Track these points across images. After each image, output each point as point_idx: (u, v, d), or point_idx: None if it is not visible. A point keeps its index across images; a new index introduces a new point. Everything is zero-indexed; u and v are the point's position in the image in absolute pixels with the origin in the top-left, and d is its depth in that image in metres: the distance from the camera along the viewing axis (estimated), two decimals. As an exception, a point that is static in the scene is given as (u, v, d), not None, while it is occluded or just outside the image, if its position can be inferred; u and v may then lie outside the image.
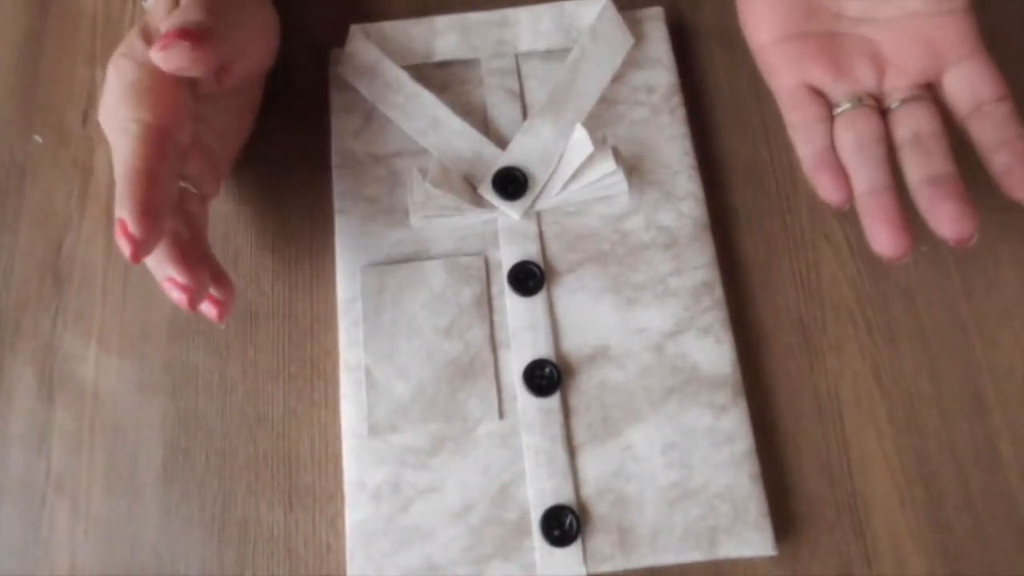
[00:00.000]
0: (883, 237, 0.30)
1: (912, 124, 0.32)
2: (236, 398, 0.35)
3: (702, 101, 0.39)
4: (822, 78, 0.33)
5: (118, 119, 0.30)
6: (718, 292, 0.35)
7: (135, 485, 0.34)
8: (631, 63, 0.38)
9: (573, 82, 0.37)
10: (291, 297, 0.37)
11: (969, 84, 0.31)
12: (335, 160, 0.37)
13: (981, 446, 0.33)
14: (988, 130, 0.30)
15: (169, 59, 0.30)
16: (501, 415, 0.33)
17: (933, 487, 0.33)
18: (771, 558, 0.32)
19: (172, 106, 0.31)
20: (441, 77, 0.38)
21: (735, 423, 0.33)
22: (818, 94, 0.33)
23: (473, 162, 0.36)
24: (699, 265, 0.35)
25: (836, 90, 0.33)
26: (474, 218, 0.36)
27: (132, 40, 0.32)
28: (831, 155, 0.32)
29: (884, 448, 0.34)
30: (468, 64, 0.39)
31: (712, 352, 0.34)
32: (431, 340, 0.34)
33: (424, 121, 0.36)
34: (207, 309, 0.32)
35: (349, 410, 0.33)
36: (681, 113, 0.38)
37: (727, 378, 0.33)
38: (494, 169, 0.35)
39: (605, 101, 0.38)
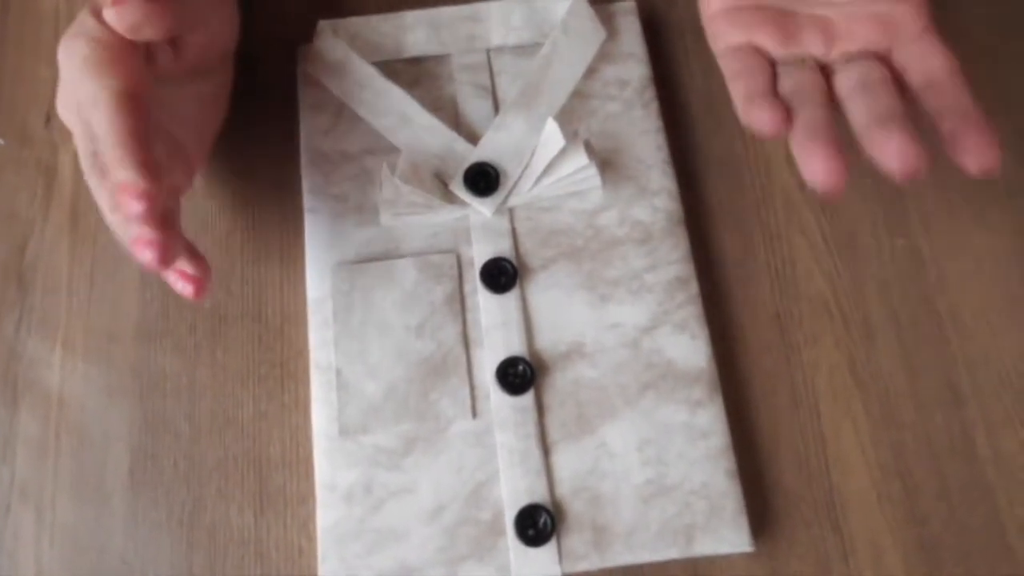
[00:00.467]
0: (816, 161, 0.27)
1: (858, 75, 0.30)
2: (205, 401, 0.35)
3: (676, 95, 0.39)
4: (768, 42, 0.31)
5: (82, 94, 0.29)
6: (693, 287, 0.34)
7: (102, 492, 0.33)
8: (604, 57, 0.38)
9: (545, 76, 0.37)
10: (260, 298, 0.36)
11: (921, 59, 0.30)
12: (304, 158, 0.37)
13: (957, 438, 0.33)
14: (938, 100, 0.28)
15: (123, 15, 0.29)
16: (474, 414, 0.32)
17: (910, 481, 0.33)
18: (748, 555, 0.31)
19: (135, 72, 0.30)
20: (411, 73, 0.38)
21: (711, 419, 0.32)
22: (762, 53, 0.31)
23: (444, 158, 0.35)
24: (674, 260, 0.35)
25: (781, 53, 0.31)
26: (446, 215, 0.35)
27: (83, 18, 0.31)
28: (768, 91, 0.30)
29: (861, 442, 0.34)
30: (439, 60, 0.38)
31: (687, 347, 0.33)
32: (402, 339, 0.33)
33: (393, 117, 0.36)
34: (183, 288, 0.31)
35: (320, 411, 0.33)
36: (655, 107, 0.37)
37: (703, 373, 0.33)
38: (465, 165, 0.35)
39: (578, 95, 0.37)
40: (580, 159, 0.34)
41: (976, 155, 0.27)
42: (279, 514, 0.33)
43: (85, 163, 0.30)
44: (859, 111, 0.29)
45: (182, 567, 0.32)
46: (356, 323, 0.34)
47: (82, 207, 0.38)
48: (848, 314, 0.36)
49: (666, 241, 0.35)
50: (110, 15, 0.29)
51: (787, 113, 0.29)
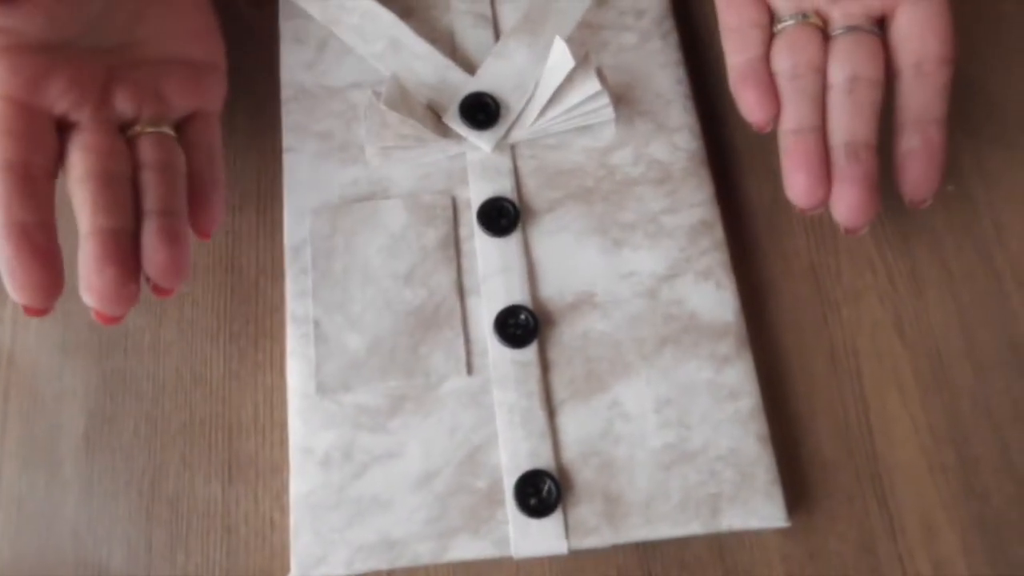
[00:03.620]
0: (799, 185, 0.29)
1: (852, 63, 0.30)
2: (170, 359, 0.32)
3: (698, 27, 0.36)
4: None
5: None
6: (718, 233, 0.31)
7: (53, 457, 0.30)
8: (617, -16, 0.35)
9: (552, 1, 0.34)
10: (234, 248, 0.33)
11: (919, 38, 0.29)
12: (285, 94, 0.34)
13: (1021, 403, 0.30)
14: (916, 96, 0.29)
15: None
16: (470, 370, 0.29)
17: (966, 451, 0.30)
18: (782, 531, 0.28)
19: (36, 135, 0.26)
20: (404, 2, 0.35)
21: (739, 377, 0.29)
22: (762, 1, 0.31)
23: (438, 88, 0.33)
24: (696, 203, 0.32)
25: (783, 2, 0.31)
26: (439, 152, 0.32)
27: None
28: (762, 68, 0.30)
29: (909, 408, 0.30)
30: (434, -13, 0.35)
31: (712, 298, 0.30)
32: (389, 288, 0.30)
33: (383, 43, 0.33)
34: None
35: (296, 367, 0.30)
36: (674, 39, 0.35)
37: (729, 327, 0.30)
38: (462, 95, 0.32)
39: (588, 26, 0.34)
40: (592, 86, 0.31)
41: (913, 188, 0.29)
42: (250, 484, 0.30)
43: None
44: (838, 126, 0.29)
45: (140, 542, 0.29)
46: (337, 270, 0.31)
47: (41, 149, 0.35)
48: (893, 267, 0.32)
49: (688, 182, 0.32)
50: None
51: (777, 104, 0.30)
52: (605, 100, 0.32)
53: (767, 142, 0.34)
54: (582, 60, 0.31)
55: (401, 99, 0.31)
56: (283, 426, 0.30)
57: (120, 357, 0.32)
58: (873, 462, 0.30)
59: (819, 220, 0.33)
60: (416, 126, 0.31)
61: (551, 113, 0.32)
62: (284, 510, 0.29)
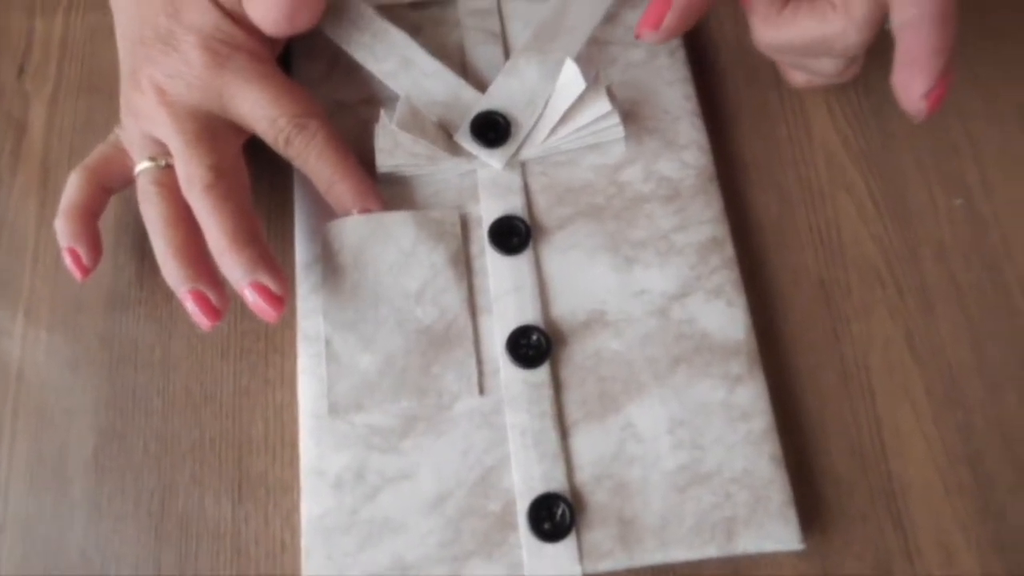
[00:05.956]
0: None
1: None
2: (180, 376, 0.29)
3: (705, 43, 0.34)
4: None
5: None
6: (728, 250, 0.29)
7: (61, 477, 0.28)
8: (625, 2, 0.33)
9: (561, 18, 0.31)
10: (246, 263, 0.31)
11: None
12: (296, 110, 0.31)
13: (1034, 421, 0.28)
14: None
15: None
16: (482, 390, 0.27)
17: (981, 469, 0.27)
18: (797, 553, 0.26)
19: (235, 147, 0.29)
20: (414, 19, 0.33)
21: (752, 397, 0.27)
22: None
23: (449, 106, 0.30)
24: (706, 219, 0.29)
25: None
26: (450, 169, 0.30)
27: (221, 23, 0.28)
28: None
29: (922, 425, 0.28)
30: (443, 5, 0.33)
31: (724, 316, 0.28)
32: (400, 306, 0.28)
33: (394, 62, 0.31)
34: (263, 310, 0.27)
35: (307, 387, 0.28)
36: (682, 55, 0.32)
37: (741, 345, 0.28)
38: (472, 113, 0.30)
39: (597, 42, 0.32)
40: (602, 105, 0.29)
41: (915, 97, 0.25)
42: (260, 504, 0.28)
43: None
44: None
45: (148, 563, 0.27)
46: (348, 288, 0.28)
47: (52, 164, 0.33)
48: (902, 282, 0.30)
49: (697, 199, 0.30)
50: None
51: None
52: (615, 120, 0.29)
53: (775, 156, 0.32)
54: (593, 80, 0.29)
55: (413, 120, 0.29)
56: (294, 444, 0.28)
57: (130, 373, 0.30)
58: (887, 481, 0.27)
59: (828, 234, 0.31)
60: (428, 145, 0.29)
61: (562, 132, 0.30)
62: (295, 531, 0.27)
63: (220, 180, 0.27)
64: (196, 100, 0.28)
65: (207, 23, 0.28)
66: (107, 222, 0.30)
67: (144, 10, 0.28)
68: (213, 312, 0.27)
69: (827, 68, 0.29)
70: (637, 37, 0.28)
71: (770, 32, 0.28)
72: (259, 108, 0.28)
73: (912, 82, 0.24)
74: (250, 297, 0.26)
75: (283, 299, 0.27)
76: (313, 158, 0.28)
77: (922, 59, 0.24)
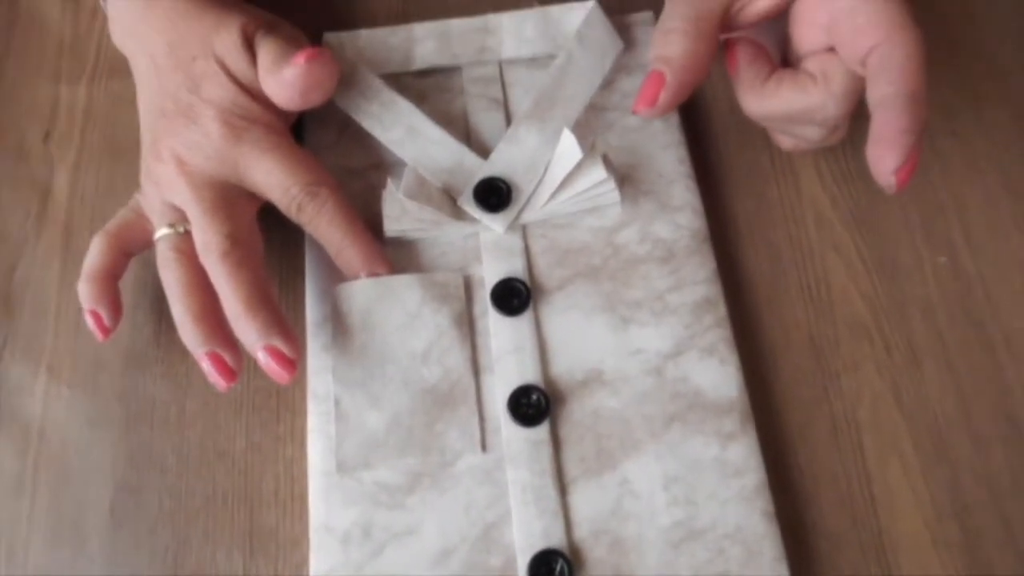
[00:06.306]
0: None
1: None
2: (194, 433, 0.30)
3: (697, 107, 0.35)
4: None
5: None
6: (721, 309, 0.30)
7: (80, 532, 0.29)
8: (621, 69, 0.34)
9: (560, 87, 0.33)
10: (258, 321, 0.32)
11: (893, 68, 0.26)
12: (307, 175, 0.33)
13: (1020, 476, 0.29)
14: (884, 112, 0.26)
15: (311, 72, 0.29)
16: (484, 448, 0.28)
17: (969, 523, 0.28)
18: (790, 607, 0.27)
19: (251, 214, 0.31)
20: (420, 87, 0.34)
21: (744, 453, 0.28)
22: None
23: (453, 172, 0.32)
24: (699, 280, 0.31)
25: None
26: (454, 233, 0.31)
27: (239, 100, 0.30)
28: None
29: (911, 480, 0.29)
30: (449, 73, 0.35)
31: (716, 374, 0.29)
32: (407, 366, 0.29)
33: (400, 130, 0.32)
34: (278, 373, 0.28)
35: (317, 444, 0.29)
36: (675, 120, 0.34)
37: (734, 403, 0.28)
38: (475, 180, 0.31)
39: (594, 108, 0.34)
40: (598, 173, 0.30)
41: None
42: (270, 558, 0.28)
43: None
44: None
45: (163, 617, 0.28)
46: (356, 348, 0.29)
47: (76, 228, 0.34)
48: (890, 338, 0.31)
49: (691, 260, 0.31)
50: (292, 73, 0.29)
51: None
52: (611, 186, 0.31)
53: (766, 216, 0.33)
54: (589, 148, 0.31)
55: (418, 187, 0.30)
56: (303, 499, 0.29)
57: (146, 430, 0.31)
58: (877, 536, 0.28)
59: (818, 292, 0.32)
60: (433, 212, 0.30)
61: (561, 197, 0.31)
62: (304, 585, 0.28)
63: (235, 248, 0.28)
64: (214, 170, 0.29)
65: (225, 98, 0.29)
66: (126, 283, 0.31)
67: (166, 84, 0.30)
68: (229, 373, 0.28)
69: (811, 135, 0.30)
70: (634, 113, 0.29)
71: (755, 102, 0.29)
72: (273, 177, 0.29)
73: (884, 158, 0.26)
74: (263, 360, 0.27)
75: (295, 362, 0.28)
76: (324, 224, 0.30)
77: (894, 137, 0.25)
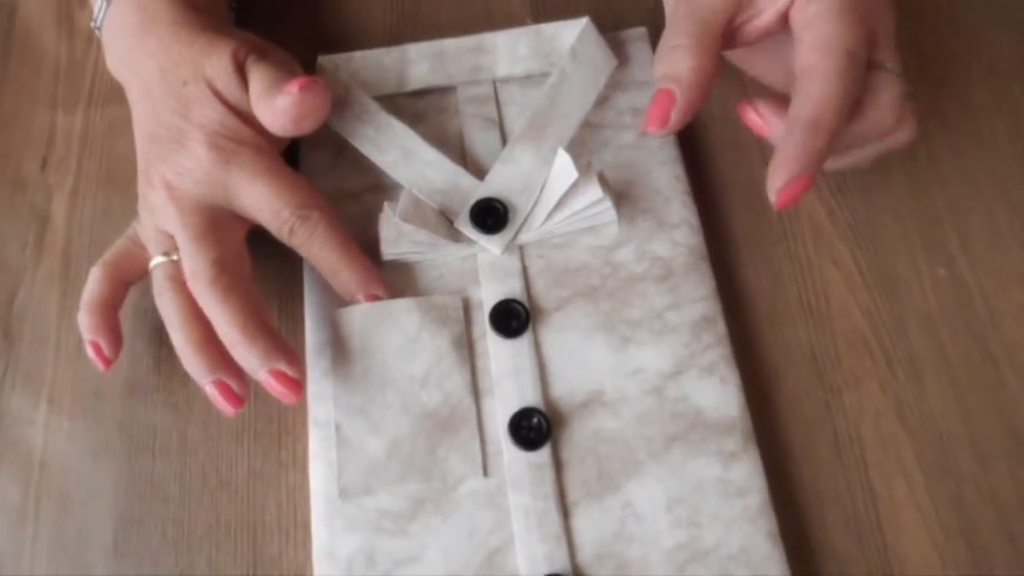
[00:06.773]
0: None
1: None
2: (196, 461, 0.30)
3: (693, 123, 0.34)
4: None
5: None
6: (721, 327, 0.30)
7: (82, 563, 0.29)
8: (615, 86, 0.34)
9: (554, 106, 0.32)
10: (258, 347, 0.32)
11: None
12: (304, 198, 0.33)
13: (1025, 491, 0.28)
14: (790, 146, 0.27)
15: (304, 100, 0.28)
16: (485, 472, 0.28)
17: (975, 540, 0.28)
18: (797, 629, 0.26)
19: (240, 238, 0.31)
20: (415, 107, 0.34)
21: (747, 473, 0.27)
22: None
23: (449, 194, 0.31)
24: (698, 298, 0.30)
25: None
26: (452, 255, 0.31)
27: (236, 127, 0.29)
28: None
29: (916, 497, 0.28)
30: (443, 93, 0.34)
31: (717, 393, 0.29)
32: (406, 390, 0.29)
33: (396, 153, 0.32)
34: (283, 394, 0.28)
35: (319, 471, 0.28)
36: (671, 136, 0.33)
37: (735, 422, 0.28)
38: (471, 201, 0.31)
39: (589, 126, 0.33)
40: (594, 192, 0.30)
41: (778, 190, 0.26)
42: (273, 586, 0.28)
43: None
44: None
45: (167, 648, 0.27)
46: (356, 373, 0.29)
47: (74, 255, 0.34)
48: (891, 353, 0.31)
49: (689, 277, 0.30)
50: (285, 101, 0.28)
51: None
52: (608, 204, 0.30)
53: (765, 233, 0.33)
54: (585, 168, 0.30)
55: (415, 210, 0.30)
56: (306, 526, 0.29)
57: (148, 459, 0.30)
58: (884, 554, 0.28)
59: (817, 306, 0.32)
60: (430, 234, 0.30)
61: (557, 217, 0.31)
62: (307, 613, 0.28)
63: (223, 274, 0.28)
64: (202, 194, 0.29)
65: (215, 120, 0.29)
66: (124, 310, 0.31)
67: (158, 109, 0.30)
68: (236, 400, 0.27)
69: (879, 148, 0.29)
70: (645, 133, 0.29)
71: (830, 161, 0.29)
72: (264, 201, 0.29)
73: (772, 175, 0.26)
74: (268, 384, 0.27)
75: (301, 382, 0.27)
76: (316, 247, 0.29)
77: (785, 159, 0.26)
